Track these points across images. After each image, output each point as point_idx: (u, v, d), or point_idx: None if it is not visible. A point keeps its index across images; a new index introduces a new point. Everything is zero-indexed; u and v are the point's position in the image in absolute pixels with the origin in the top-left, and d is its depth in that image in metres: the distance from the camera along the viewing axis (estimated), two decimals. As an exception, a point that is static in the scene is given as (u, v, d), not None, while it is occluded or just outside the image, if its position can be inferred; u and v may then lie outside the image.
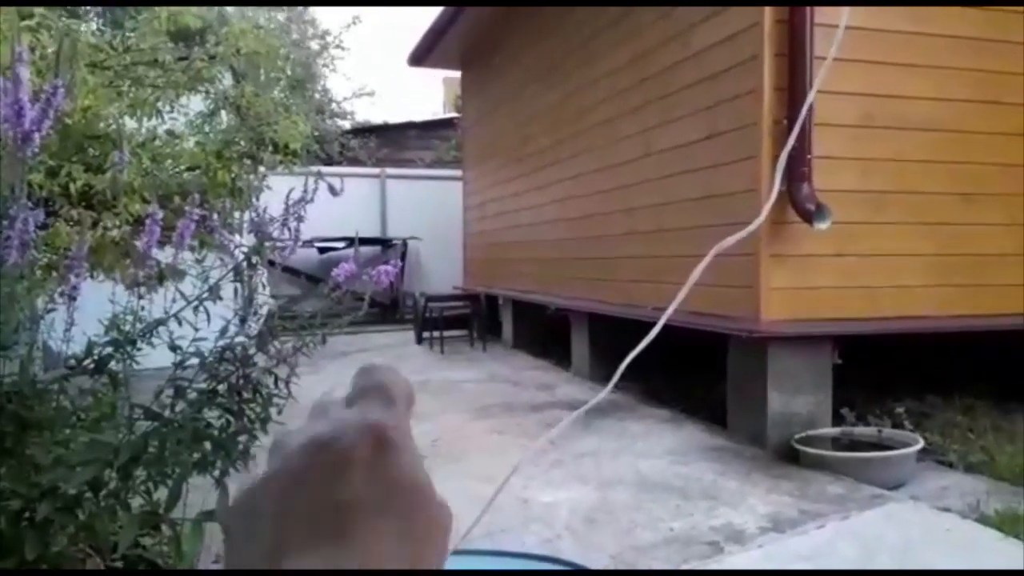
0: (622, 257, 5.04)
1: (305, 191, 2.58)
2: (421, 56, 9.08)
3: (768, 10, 3.45)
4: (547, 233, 6.54)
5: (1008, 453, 3.47)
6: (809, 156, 3.39)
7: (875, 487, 3.00)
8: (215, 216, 2.47)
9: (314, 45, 14.91)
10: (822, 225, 3.34)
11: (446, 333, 7.29)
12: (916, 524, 2.66)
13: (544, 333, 7.17)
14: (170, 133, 4.34)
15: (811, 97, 3.28)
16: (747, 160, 3.61)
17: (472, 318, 7.57)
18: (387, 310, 9.76)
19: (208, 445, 2.19)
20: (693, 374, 4.83)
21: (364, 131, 12.25)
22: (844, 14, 3.06)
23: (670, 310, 0.75)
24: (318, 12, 15.64)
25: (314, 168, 5.33)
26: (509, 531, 2.62)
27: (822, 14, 3.47)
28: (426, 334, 7.60)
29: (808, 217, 3.36)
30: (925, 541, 2.52)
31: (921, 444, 3.29)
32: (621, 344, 3.65)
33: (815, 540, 2.50)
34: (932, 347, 4.49)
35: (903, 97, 3.77)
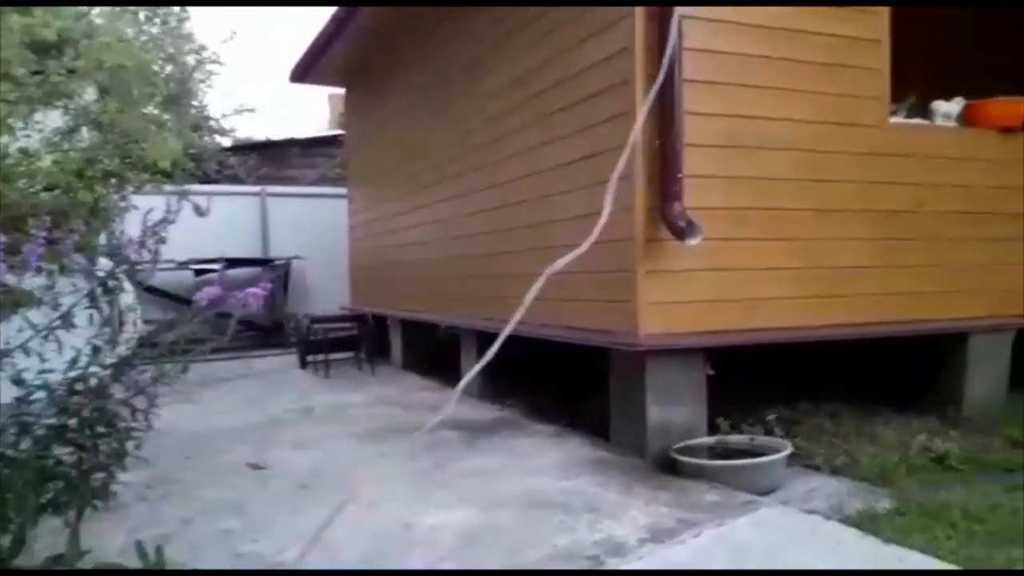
0: (510, 275, 5.07)
1: (168, 211, 2.45)
2: (303, 73, 8.91)
3: (639, 34, 3.57)
4: (435, 252, 6.51)
5: (869, 454, 3.70)
6: (680, 175, 3.52)
7: (748, 493, 3.12)
8: (70, 239, 2.31)
9: (190, 60, 14.37)
10: (693, 241, 3.48)
11: (332, 356, 7.11)
12: (785, 527, 2.77)
13: (435, 353, 7.12)
14: (23, 151, 4.06)
15: (643, 114, 3.40)
16: (625, 179, 3.70)
17: (359, 339, 7.42)
18: (270, 333, 9.45)
19: (59, 484, 2.04)
20: (580, 389, 4.90)
21: (244, 148, 11.88)
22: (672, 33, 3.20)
23: (510, 327, 0.75)
24: (195, 26, 15.11)
25: (181, 187, 5.10)
26: (390, 557, 2.56)
27: (690, 39, 3.63)
28: (310, 357, 7.39)
29: (680, 234, 3.48)
30: (792, 543, 2.63)
31: (790, 450, 3.44)
32: (512, 362, 3.68)
33: (691, 549, 2.56)
34: (802, 355, 4.73)
35: (766, 118, 3.96)
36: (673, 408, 3.69)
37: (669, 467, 3.48)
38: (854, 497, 3.18)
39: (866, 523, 2.81)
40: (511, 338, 4.87)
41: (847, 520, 2.84)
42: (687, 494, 3.11)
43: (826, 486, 3.37)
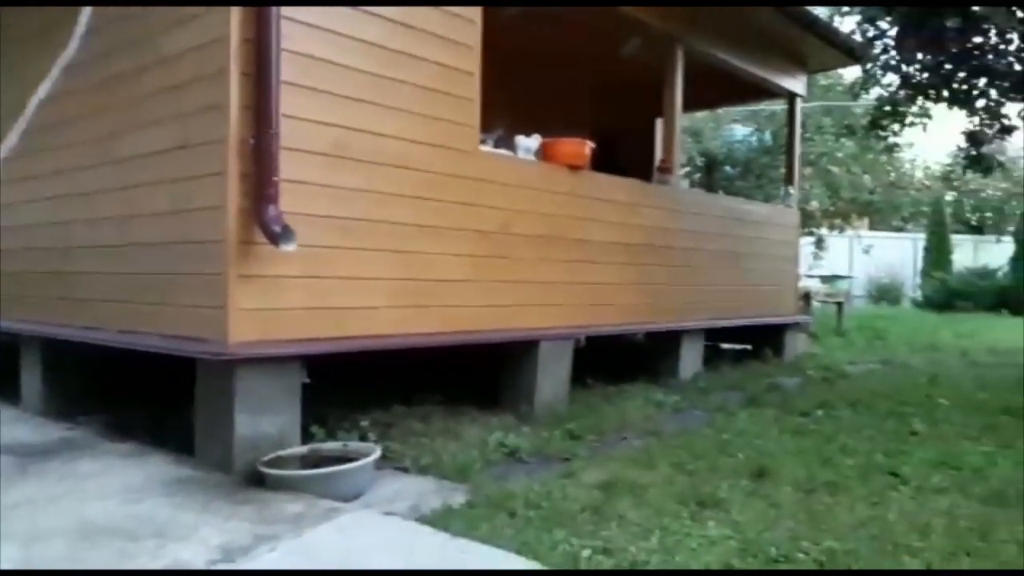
0: (85, 273, 4.48)
1: None
2: None
3: (235, 26, 3.40)
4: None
5: (452, 452, 3.95)
6: (276, 179, 3.42)
7: (335, 501, 3.12)
8: None
9: None
10: (288, 247, 3.40)
11: None
12: (363, 532, 2.83)
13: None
14: None
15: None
16: (215, 176, 3.50)
17: None
18: None
19: None
20: (173, 402, 4.50)
21: None
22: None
23: None
24: None
25: None
26: None
27: (292, 41, 3.56)
28: None
29: (274, 239, 3.39)
30: (369, 547, 2.69)
31: (377, 454, 3.53)
32: (86, 372, 3.33)
33: (264, 563, 2.48)
34: (404, 361, 4.94)
35: (373, 133, 4.05)
36: (265, 418, 3.56)
37: (258, 481, 3.34)
38: (435, 495, 3.34)
39: (439, 519, 2.97)
40: (90, 346, 4.31)
41: (423, 518, 2.99)
42: (270, 507, 3.01)
43: (412, 486, 3.50)
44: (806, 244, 13.83)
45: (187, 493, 3.18)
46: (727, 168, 13.92)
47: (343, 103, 3.90)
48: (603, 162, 5.80)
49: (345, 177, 3.93)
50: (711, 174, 13.66)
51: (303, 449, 3.65)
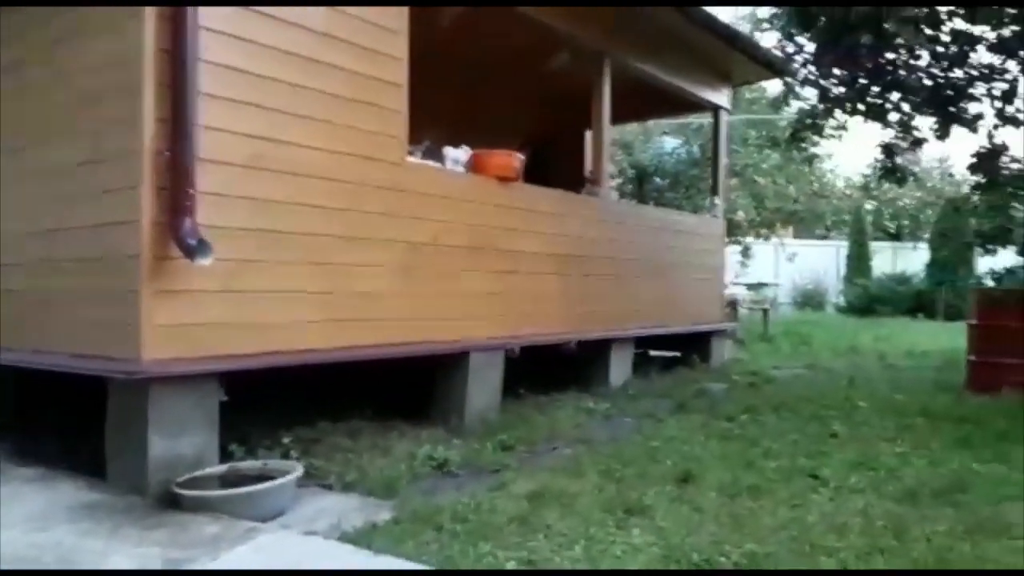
0: (6, 292, 4.26)
1: None
2: None
3: (150, 36, 3.30)
4: None
5: (378, 467, 3.89)
6: (192, 191, 3.33)
7: (254, 521, 3.03)
8: None
9: None
10: (204, 261, 3.31)
11: None
12: (282, 551, 2.75)
13: None
14: None
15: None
16: (129, 190, 3.38)
17: None
18: None
19: None
20: (89, 423, 4.31)
21: None
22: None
23: None
24: None
25: None
26: None
27: (210, 52, 3.47)
28: None
29: (190, 252, 3.29)
30: (288, 567, 2.62)
31: (299, 472, 3.44)
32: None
33: (176, 589, 2.39)
34: (331, 376, 4.84)
35: (295, 144, 3.98)
36: (181, 439, 3.44)
37: (173, 503, 3.22)
38: (359, 512, 3.27)
39: (363, 537, 2.91)
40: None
41: (345, 536, 2.92)
42: (185, 530, 2.90)
43: (335, 504, 3.43)
44: (733, 252, 14.19)
45: (96, 519, 3.04)
46: (657, 180, 14.18)
47: (264, 114, 3.82)
48: (533, 173, 5.83)
49: (266, 189, 3.85)
50: (641, 186, 13.89)
51: (221, 468, 3.54)
